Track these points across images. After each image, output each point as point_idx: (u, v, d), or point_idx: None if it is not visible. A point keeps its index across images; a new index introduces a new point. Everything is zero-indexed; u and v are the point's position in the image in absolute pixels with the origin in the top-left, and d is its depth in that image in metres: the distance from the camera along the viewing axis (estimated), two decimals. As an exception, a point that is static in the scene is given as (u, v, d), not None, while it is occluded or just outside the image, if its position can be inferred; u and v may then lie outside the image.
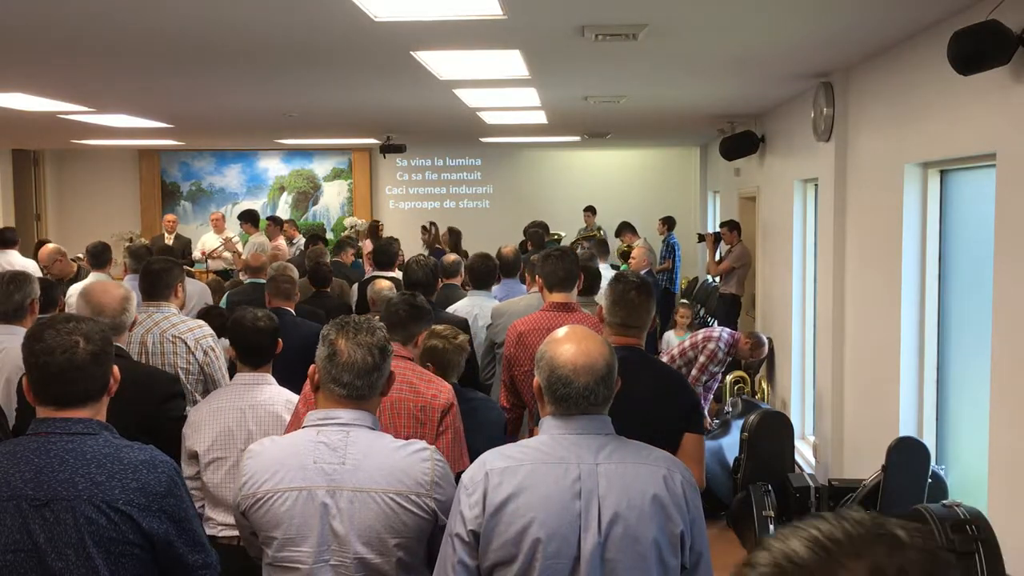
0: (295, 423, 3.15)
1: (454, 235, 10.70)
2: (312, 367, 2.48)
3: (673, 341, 8.21)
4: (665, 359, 7.29)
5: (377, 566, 2.35)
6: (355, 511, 2.34)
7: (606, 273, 7.11)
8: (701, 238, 11.06)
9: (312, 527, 2.34)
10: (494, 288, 5.85)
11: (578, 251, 7.20)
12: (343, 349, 2.42)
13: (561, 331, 2.33)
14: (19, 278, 3.99)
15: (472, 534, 2.14)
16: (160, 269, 4.30)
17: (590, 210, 13.51)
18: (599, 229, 12.96)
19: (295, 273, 5.55)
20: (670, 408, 3.07)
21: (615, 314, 3.29)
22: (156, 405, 3.39)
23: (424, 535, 2.40)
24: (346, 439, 2.39)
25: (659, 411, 3.00)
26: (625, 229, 11.78)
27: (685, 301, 9.25)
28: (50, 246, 8.22)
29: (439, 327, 3.92)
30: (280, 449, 2.43)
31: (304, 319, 5.28)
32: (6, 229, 8.86)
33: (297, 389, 3.42)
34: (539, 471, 2.16)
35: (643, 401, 2.77)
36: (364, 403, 2.45)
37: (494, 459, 2.22)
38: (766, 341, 7.65)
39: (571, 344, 2.24)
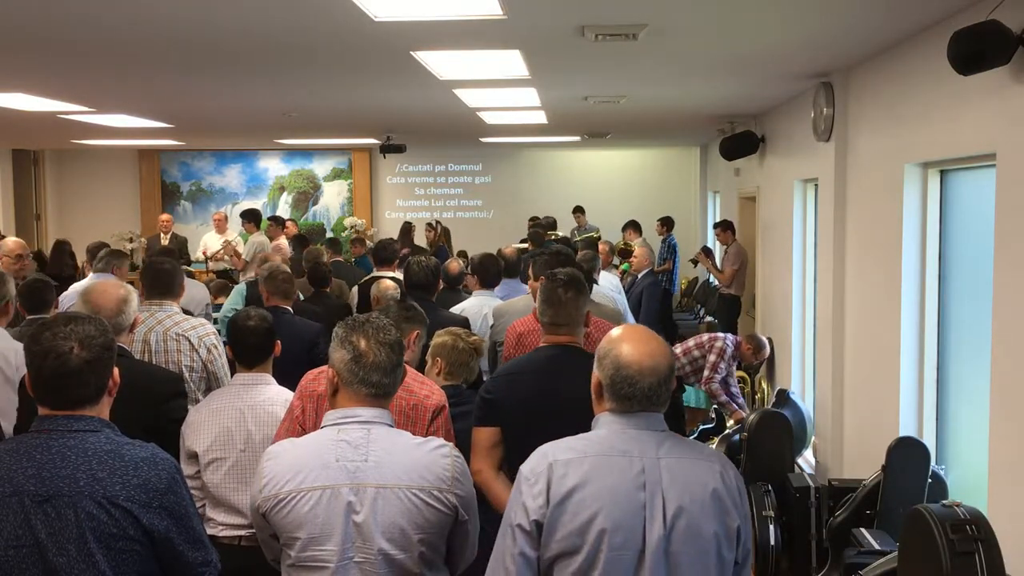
0: (288, 420, 3.15)
1: (447, 234, 10.78)
2: (331, 372, 2.49)
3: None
4: None
5: (401, 562, 2.37)
6: (379, 508, 2.36)
7: (608, 275, 7.12)
8: (695, 262, 11.06)
9: (336, 525, 2.35)
10: (500, 286, 5.88)
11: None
12: (367, 350, 2.45)
13: (623, 331, 2.35)
14: None
15: (535, 524, 2.14)
16: (166, 269, 4.36)
17: (579, 210, 13.42)
18: (597, 229, 12.88)
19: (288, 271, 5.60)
20: None
21: (544, 313, 3.28)
22: (157, 405, 3.39)
23: (445, 530, 2.42)
24: (367, 436, 2.42)
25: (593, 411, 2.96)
26: (628, 227, 11.77)
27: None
28: (10, 241, 6.94)
29: (461, 331, 3.90)
30: (301, 449, 2.45)
31: (301, 318, 5.28)
32: None
33: (295, 387, 3.42)
34: (603, 463, 2.17)
35: (577, 401, 2.62)
36: (386, 400, 2.50)
37: (557, 451, 2.23)
38: (767, 343, 7.65)
39: (636, 345, 2.26)
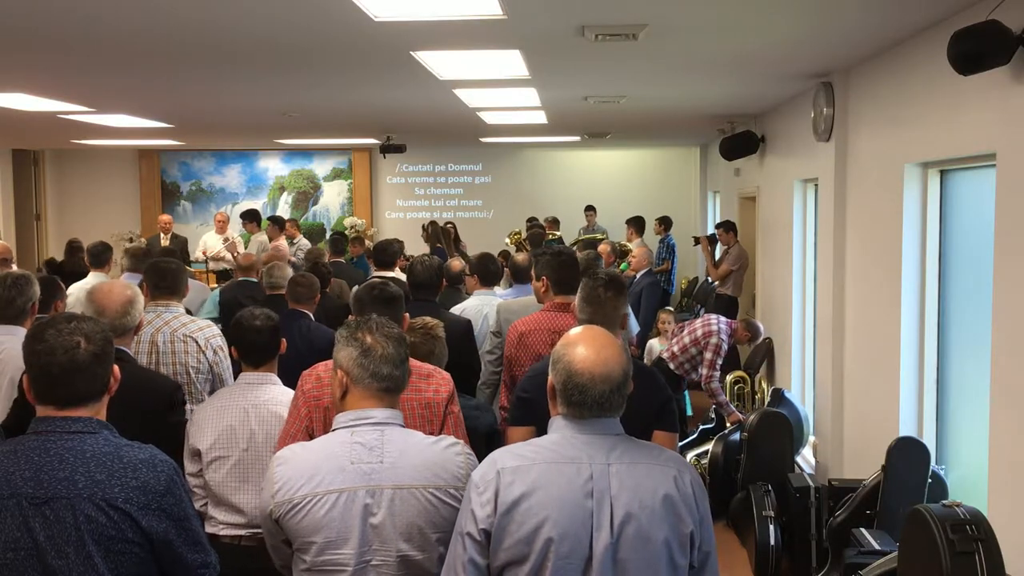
0: (293, 421, 3.13)
1: (447, 234, 10.75)
2: (340, 373, 2.48)
3: (656, 349, 8.13)
4: (666, 355, 7.27)
5: (419, 562, 2.38)
6: (396, 509, 2.36)
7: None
8: (696, 241, 11.05)
9: (353, 528, 2.35)
10: (511, 290, 5.90)
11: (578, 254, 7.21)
12: (375, 344, 2.46)
13: (579, 334, 2.32)
14: (20, 282, 4.00)
15: (483, 533, 2.14)
16: (172, 269, 4.37)
17: (591, 209, 13.51)
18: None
19: (288, 271, 5.61)
20: (640, 406, 3.02)
21: (584, 311, 3.29)
22: (158, 410, 3.36)
23: None
24: (382, 438, 2.42)
25: (629, 409, 2.98)
26: (630, 223, 11.74)
27: (670, 308, 9.25)
28: None
29: (415, 321, 3.88)
30: (313, 453, 2.44)
31: (319, 324, 5.27)
32: None
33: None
34: (551, 470, 2.16)
35: None
36: (396, 397, 2.50)
37: (505, 458, 2.22)
38: (760, 325, 7.64)
39: (590, 350, 2.24)
